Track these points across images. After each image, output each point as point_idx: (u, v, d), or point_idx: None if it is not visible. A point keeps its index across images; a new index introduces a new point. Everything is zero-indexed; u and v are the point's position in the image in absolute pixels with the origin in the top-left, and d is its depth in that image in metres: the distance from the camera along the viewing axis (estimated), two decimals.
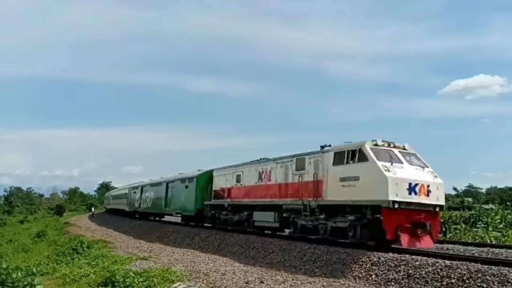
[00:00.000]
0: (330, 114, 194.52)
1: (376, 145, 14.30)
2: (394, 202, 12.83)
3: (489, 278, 9.69)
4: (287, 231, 18.63)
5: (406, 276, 11.14)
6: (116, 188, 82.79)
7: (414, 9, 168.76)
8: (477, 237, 21.39)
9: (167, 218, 35.57)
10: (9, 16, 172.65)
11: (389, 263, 12.07)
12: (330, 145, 16.43)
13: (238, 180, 22.42)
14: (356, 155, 14.32)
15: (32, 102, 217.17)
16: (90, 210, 70.20)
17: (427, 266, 11.18)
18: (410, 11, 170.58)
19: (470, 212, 30.14)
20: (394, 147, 14.63)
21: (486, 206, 38.10)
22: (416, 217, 13.42)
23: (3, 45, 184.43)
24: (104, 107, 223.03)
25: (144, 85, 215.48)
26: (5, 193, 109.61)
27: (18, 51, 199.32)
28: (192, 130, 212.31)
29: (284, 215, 18.19)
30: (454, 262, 10.96)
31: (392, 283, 11.14)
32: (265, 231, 20.06)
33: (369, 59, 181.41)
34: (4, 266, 10.85)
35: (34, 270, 12.20)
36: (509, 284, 9.28)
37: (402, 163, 13.88)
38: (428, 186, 13.61)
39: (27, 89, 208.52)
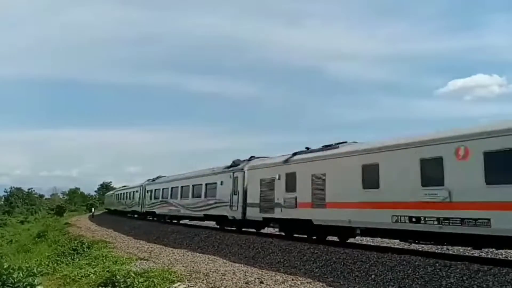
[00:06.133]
0: (330, 114, 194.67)
1: None
2: None
3: (489, 278, 9.70)
4: None
5: (405, 276, 11.16)
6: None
7: (414, 10, 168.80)
8: None
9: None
10: (10, 17, 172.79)
11: (389, 263, 12.10)
12: None
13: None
14: None
15: (32, 102, 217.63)
16: (91, 211, 70.21)
17: (426, 266, 11.20)
18: (410, 11, 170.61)
19: None
20: None
21: None
22: None
23: (4, 46, 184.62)
24: (104, 107, 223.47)
25: (144, 85, 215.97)
26: (5, 194, 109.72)
27: (19, 52, 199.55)
28: (193, 130, 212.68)
29: None
30: (454, 262, 10.97)
31: (392, 283, 11.15)
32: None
33: (369, 59, 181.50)
34: (5, 267, 10.89)
35: (35, 270, 12.23)
36: (509, 285, 9.28)
37: None
38: None
39: (27, 89, 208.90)
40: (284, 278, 12.41)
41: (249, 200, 20.99)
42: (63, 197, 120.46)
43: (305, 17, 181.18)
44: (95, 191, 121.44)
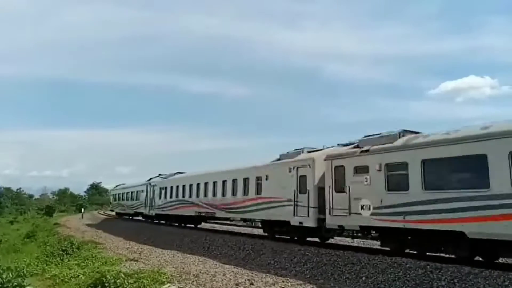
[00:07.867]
0: (328, 115, 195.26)
1: None
2: None
3: (480, 281, 9.72)
4: None
5: (396, 279, 11.17)
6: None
7: (412, 12, 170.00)
8: None
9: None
10: (10, 17, 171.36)
11: (379, 265, 12.10)
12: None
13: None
14: None
15: (25, 103, 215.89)
16: (80, 211, 69.75)
17: (417, 268, 11.22)
18: (408, 13, 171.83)
19: None
20: None
21: None
22: None
23: (3, 46, 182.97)
24: (98, 108, 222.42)
25: (140, 86, 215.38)
26: None
27: (17, 52, 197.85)
28: (189, 131, 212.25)
29: None
30: (445, 265, 10.99)
31: (383, 285, 11.15)
32: None
33: (367, 60, 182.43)
34: None
35: (24, 271, 12.10)
36: (500, 287, 9.32)
37: None
38: None
39: (20, 90, 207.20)
40: (275, 279, 12.37)
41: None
42: (53, 197, 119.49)
43: (304, 18, 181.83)
44: (85, 192, 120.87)
